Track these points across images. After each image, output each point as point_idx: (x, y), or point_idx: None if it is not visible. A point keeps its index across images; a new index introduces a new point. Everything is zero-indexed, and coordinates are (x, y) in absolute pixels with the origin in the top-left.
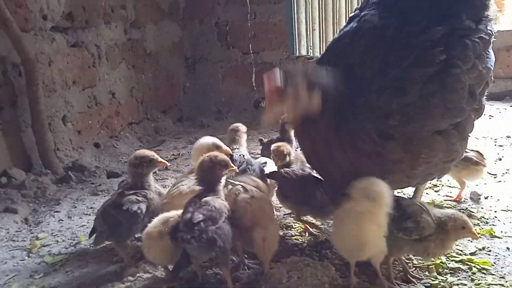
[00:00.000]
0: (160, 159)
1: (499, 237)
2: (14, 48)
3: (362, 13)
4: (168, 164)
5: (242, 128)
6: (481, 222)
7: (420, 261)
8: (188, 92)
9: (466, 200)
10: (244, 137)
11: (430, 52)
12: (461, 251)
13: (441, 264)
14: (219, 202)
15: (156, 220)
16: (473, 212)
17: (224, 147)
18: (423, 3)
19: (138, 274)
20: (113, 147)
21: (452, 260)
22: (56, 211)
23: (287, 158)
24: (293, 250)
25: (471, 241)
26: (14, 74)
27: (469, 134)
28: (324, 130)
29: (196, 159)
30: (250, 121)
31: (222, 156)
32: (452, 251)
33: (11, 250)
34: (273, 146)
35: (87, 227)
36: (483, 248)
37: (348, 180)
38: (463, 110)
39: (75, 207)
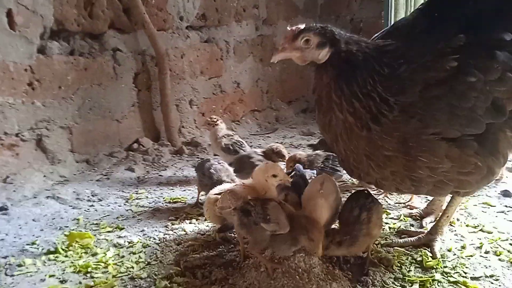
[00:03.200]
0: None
1: None
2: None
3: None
4: None
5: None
6: None
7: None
8: None
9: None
10: None
11: (441, 58)
12: (465, 273)
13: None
14: None
15: (215, 189)
16: None
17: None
18: (465, 14)
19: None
20: (231, 130)
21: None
22: (160, 175)
23: None
24: None
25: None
26: (151, 64)
27: (508, 152)
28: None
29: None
30: None
31: None
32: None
33: (117, 198)
34: None
35: (173, 192)
36: (491, 276)
37: (350, 162)
38: (478, 121)
39: (175, 175)
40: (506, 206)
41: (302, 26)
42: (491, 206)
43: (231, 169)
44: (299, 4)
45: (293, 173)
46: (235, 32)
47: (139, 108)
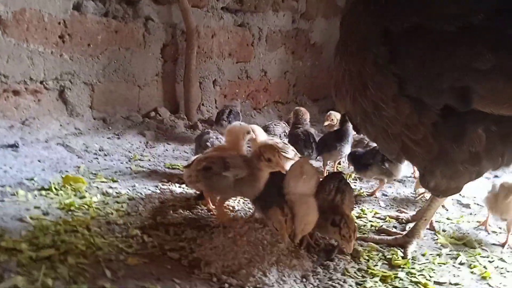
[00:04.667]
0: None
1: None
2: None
3: None
4: None
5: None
6: None
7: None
8: None
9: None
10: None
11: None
12: (430, 276)
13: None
14: None
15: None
16: None
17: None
18: None
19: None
20: (250, 116)
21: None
22: (168, 144)
23: None
24: None
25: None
26: (181, 38)
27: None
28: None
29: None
30: None
31: None
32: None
33: (121, 156)
34: None
35: (175, 160)
36: (456, 284)
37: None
38: (435, 90)
39: (182, 146)
40: (500, 227)
41: None
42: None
43: None
44: (340, 3)
45: None
46: (270, 20)
47: (162, 78)
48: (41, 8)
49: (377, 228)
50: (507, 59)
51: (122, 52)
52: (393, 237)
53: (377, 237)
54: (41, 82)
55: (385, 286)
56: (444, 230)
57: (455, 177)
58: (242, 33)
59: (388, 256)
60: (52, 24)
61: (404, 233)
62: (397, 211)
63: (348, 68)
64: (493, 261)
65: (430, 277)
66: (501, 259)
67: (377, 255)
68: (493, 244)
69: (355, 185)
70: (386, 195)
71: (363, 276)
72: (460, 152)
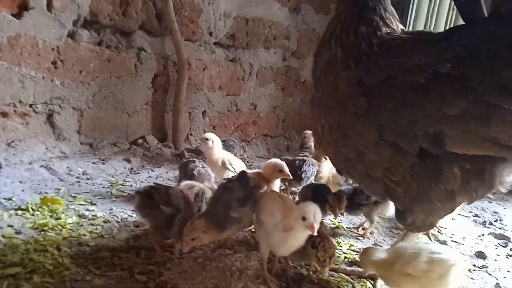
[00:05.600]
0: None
1: None
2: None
3: None
4: None
5: None
6: None
7: None
8: None
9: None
10: None
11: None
12: None
13: None
14: None
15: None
16: None
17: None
18: None
19: None
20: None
21: None
22: (153, 171)
23: None
24: None
25: None
26: (172, 69)
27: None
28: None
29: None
30: None
31: None
32: None
33: (103, 180)
34: None
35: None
36: None
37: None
38: (411, 138)
39: (166, 173)
40: (475, 265)
41: None
42: None
43: (213, 175)
44: None
45: None
46: (262, 57)
47: (151, 107)
48: (36, 34)
49: (350, 260)
50: (475, 104)
51: (113, 80)
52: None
53: (348, 268)
54: (30, 106)
55: None
56: None
57: (432, 214)
58: (233, 67)
59: None
60: (45, 50)
61: None
62: (373, 244)
63: (328, 122)
64: None
65: None
66: None
67: (347, 286)
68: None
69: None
70: (364, 228)
71: None
72: (437, 190)
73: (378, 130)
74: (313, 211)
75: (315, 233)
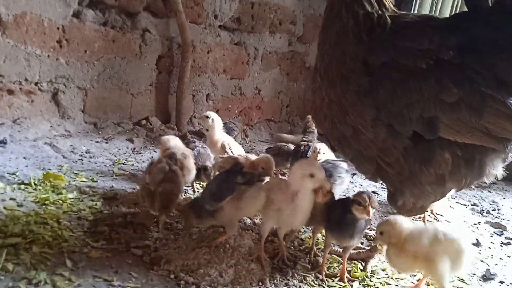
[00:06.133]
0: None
1: None
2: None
3: None
4: None
5: None
6: None
7: None
8: None
9: None
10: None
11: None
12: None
13: None
14: None
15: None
16: None
17: None
18: None
19: None
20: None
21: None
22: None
23: None
24: None
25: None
26: (177, 51)
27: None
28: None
29: None
30: None
31: None
32: None
33: (106, 159)
34: None
35: None
36: None
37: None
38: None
39: None
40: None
41: None
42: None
43: (212, 156)
44: None
45: None
46: (267, 41)
47: (156, 88)
48: (42, 13)
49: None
50: (471, 93)
51: (118, 61)
52: (357, 251)
53: (341, 250)
54: (35, 84)
55: None
56: None
57: (422, 197)
58: (238, 51)
59: (348, 269)
60: (51, 29)
61: (368, 248)
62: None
63: (328, 95)
64: (452, 280)
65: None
66: (462, 280)
67: (338, 267)
68: None
69: None
70: None
71: (319, 285)
72: (428, 174)
73: (376, 110)
74: (317, 165)
75: (329, 187)
